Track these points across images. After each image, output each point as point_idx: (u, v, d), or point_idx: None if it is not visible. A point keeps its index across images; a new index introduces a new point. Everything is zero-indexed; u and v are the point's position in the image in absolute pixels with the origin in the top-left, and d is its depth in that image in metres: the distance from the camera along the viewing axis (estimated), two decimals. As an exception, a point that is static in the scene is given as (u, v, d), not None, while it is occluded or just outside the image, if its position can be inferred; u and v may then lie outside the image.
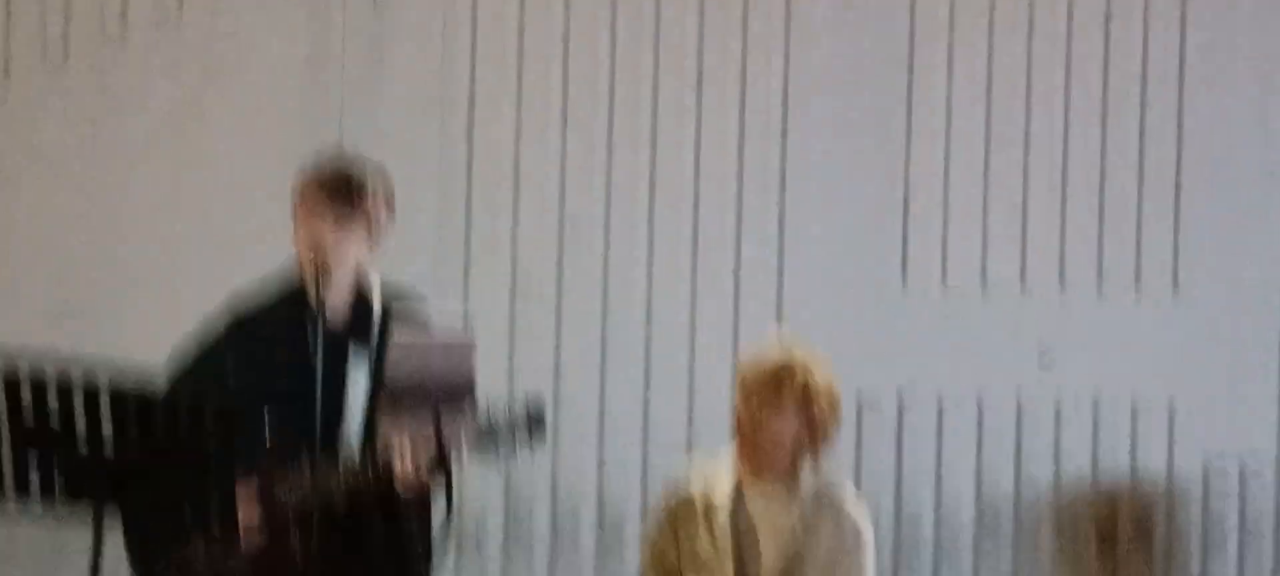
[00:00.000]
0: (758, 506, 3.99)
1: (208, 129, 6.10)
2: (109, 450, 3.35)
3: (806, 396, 3.99)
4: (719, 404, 6.72)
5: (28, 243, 5.96)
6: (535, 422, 3.76)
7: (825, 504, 4.01)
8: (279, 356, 3.91)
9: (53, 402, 3.33)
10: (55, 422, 3.33)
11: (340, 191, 3.89)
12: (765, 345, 4.13)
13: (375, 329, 3.90)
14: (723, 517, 3.96)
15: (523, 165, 6.44)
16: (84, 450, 3.35)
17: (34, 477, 3.40)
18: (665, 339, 6.57)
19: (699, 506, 4.02)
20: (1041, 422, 7.01)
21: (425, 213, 6.20)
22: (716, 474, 4.07)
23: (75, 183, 5.99)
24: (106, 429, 3.34)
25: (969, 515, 6.93)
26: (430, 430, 3.44)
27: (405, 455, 3.63)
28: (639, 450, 6.55)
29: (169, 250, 6.01)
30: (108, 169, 6.01)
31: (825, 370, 4.05)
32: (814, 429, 4.02)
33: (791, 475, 3.99)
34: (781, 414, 3.97)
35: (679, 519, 4.03)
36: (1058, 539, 7.03)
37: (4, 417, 3.36)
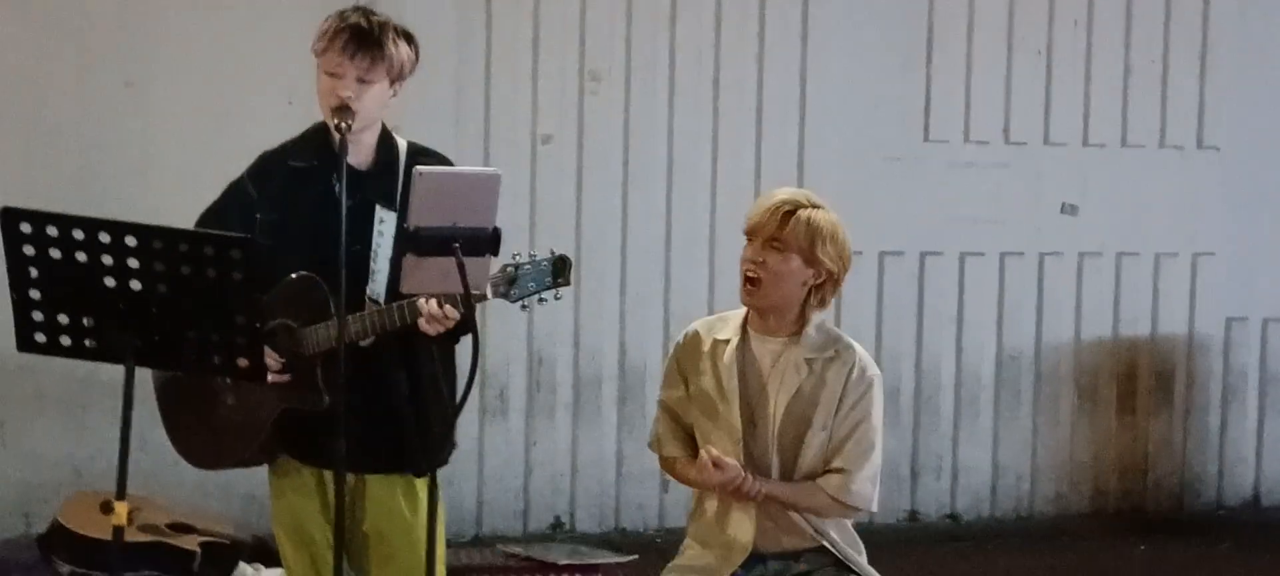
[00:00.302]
0: (764, 350, 3.95)
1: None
2: (136, 284, 3.34)
3: (811, 234, 3.87)
4: (739, 261, 6.73)
5: (56, 113, 5.94)
6: (559, 267, 3.75)
7: (833, 349, 3.94)
8: (304, 203, 3.88)
9: (80, 240, 3.31)
10: (83, 258, 3.31)
11: (361, 44, 3.86)
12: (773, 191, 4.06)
13: (400, 186, 3.88)
14: (729, 359, 3.94)
15: (542, 21, 6.39)
16: (111, 283, 3.34)
17: (64, 327, 3.40)
18: (686, 194, 6.57)
19: (706, 346, 3.99)
20: (1063, 277, 7.05)
21: (445, 72, 6.17)
22: (725, 320, 4.04)
23: (102, 54, 5.96)
24: (133, 262, 3.34)
25: (990, 369, 6.99)
26: (453, 269, 3.39)
27: (429, 295, 3.63)
28: (660, 305, 6.57)
29: (194, 115, 6.00)
30: (134, 35, 5.97)
31: (831, 214, 3.94)
32: (820, 270, 3.89)
33: (799, 321, 3.94)
34: (785, 252, 3.86)
35: (685, 359, 4.02)
36: (1078, 392, 7.09)
37: (33, 269, 3.35)
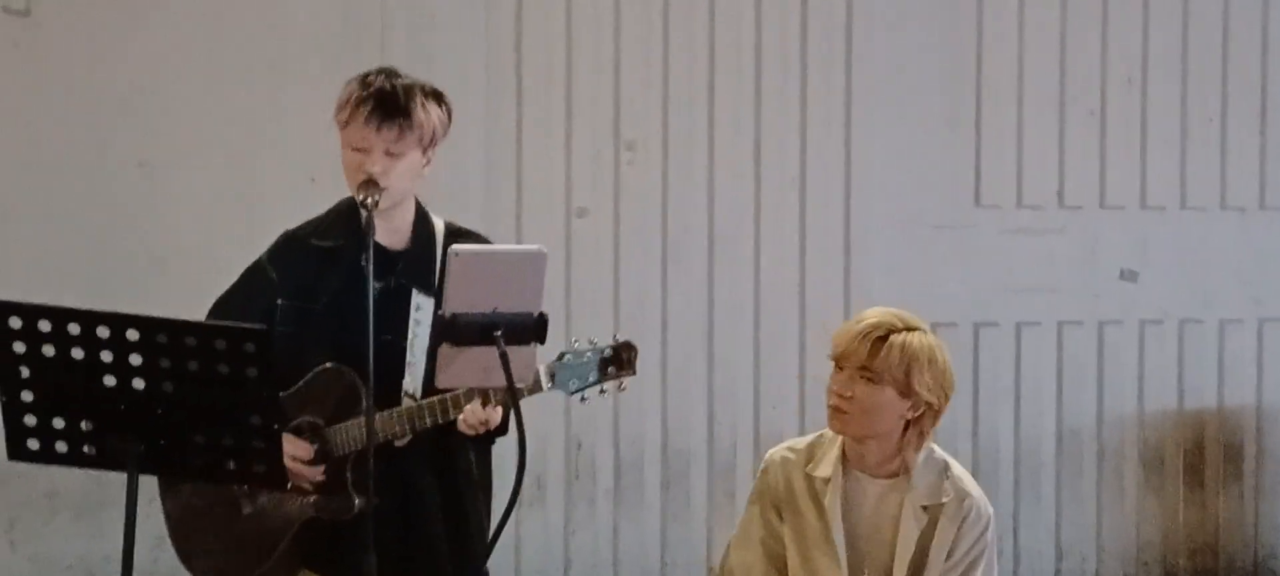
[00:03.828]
0: (870, 492, 3.61)
1: (247, 57, 5.83)
2: (139, 383, 3.01)
3: (907, 362, 3.51)
4: (786, 337, 6.48)
5: (66, 197, 5.69)
6: (611, 359, 3.45)
7: (947, 491, 3.60)
8: (331, 287, 3.58)
9: (76, 334, 3.01)
10: (79, 354, 3.00)
11: (388, 113, 3.52)
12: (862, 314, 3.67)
13: (439, 268, 3.56)
14: (832, 501, 3.59)
15: (575, 89, 6.15)
16: (111, 382, 3.03)
17: (60, 432, 3.10)
18: (728, 268, 6.30)
19: (799, 482, 3.62)
20: (1124, 345, 6.74)
21: (475, 142, 5.93)
22: (815, 452, 3.67)
23: (112, 133, 5.71)
24: (135, 359, 3.02)
25: (1050, 444, 6.67)
26: (494, 360, 3.07)
27: (469, 392, 3.33)
28: (704, 383, 6.27)
29: (213, 196, 5.71)
30: (146, 113, 5.73)
31: (930, 336, 3.58)
32: (917, 402, 3.54)
33: (901, 459, 3.59)
34: (877, 383, 3.51)
35: (774, 492, 3.66)
36: (1143, 467, 6.78)
37: (25, 368, 3.05)
